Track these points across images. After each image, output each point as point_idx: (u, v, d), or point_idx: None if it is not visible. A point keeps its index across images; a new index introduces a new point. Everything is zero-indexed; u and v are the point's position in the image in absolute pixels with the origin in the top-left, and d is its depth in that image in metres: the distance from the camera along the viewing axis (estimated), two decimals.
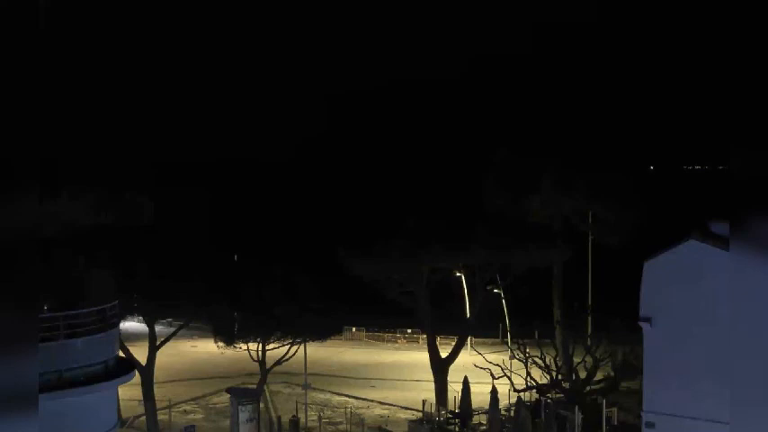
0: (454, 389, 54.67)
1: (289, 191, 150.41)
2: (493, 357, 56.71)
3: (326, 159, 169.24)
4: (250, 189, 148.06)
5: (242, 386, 55.23)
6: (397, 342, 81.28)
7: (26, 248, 17.10)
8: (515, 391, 51.85)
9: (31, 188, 17.21)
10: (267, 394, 60.39)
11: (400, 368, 71.09)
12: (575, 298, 61.61)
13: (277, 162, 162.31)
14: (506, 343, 66.06)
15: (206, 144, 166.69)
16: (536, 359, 53.08)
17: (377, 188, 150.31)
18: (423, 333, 68.37)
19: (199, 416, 57.52)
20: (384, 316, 74.64)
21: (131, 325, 61.34)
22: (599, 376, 53.38)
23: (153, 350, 52.76)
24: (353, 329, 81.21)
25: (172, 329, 58.06)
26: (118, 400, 34.30)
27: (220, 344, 52.46)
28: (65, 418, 28.41)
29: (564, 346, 56.95)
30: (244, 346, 52.24)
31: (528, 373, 53.23)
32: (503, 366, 53.03)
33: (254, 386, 53.69)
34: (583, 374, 52.75)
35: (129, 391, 49.93)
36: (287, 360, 53.14)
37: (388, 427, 54.09)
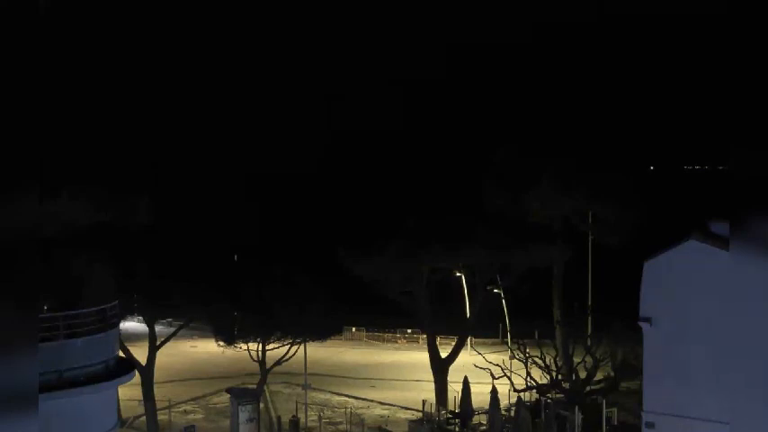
0: (454, 389, 54.68)
1: (288, 191, 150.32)
2: (493, 357, 56.72)
3: (326, 159, 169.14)
4: (249, 189, 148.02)
5: (242, 386, 55.24)
6: (397, 342, 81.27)
7: (26, 248, 17.11)
8: (515, 391, 51.84)
9: (31, 188, 17.22)
10: (267, 394, 60.39)
11: (400, 368, 71.09)
12: (575, 298, 61.57)
13: (277, 162, 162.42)
14: (506, 343, 66.08)
15: (206, 144, 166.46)
16: (536, 359, 53.08)
17: (377, 188, 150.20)
18: (423, 333, 68.37)
19: (199, 416, 57.53)
20: (384, 316, 74.62)
21: (131, 325, 61.35)
22: (599, 376, 53.37)
23: (153, 350, 52.74)
24: (353, 329, 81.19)
25: (172, 329, 58.07)
26: (118, 400, 34.29)
27: (221, 344, 52.47)
28: (65, 418, 28.40)
29: (564, 346, 56.95)
30: (244, 346, 52.25)
31: (528, 373, 53.22)
32: (503, 366, 53.03)
33: (254, 386, 53.70)
34: (583, 374, 52.74)
35: (129, 391, 49.92)
36: (287, 360, 53.14)
37: (388, 427, 54.10)
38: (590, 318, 60.59)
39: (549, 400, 51.48)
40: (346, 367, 71.62)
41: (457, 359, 58.61)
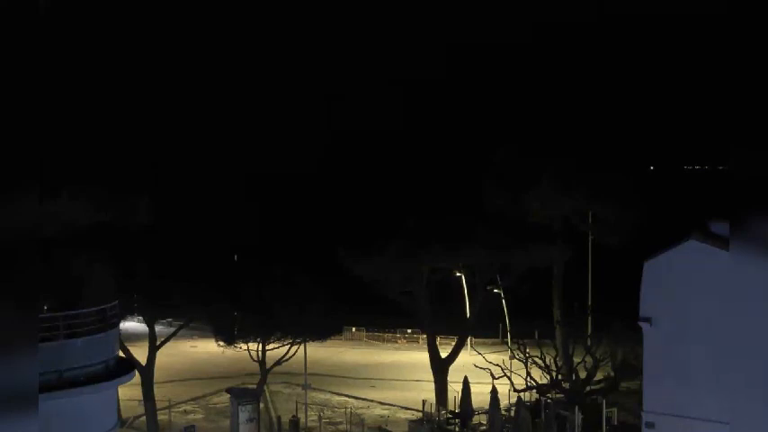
0: (454, 389, 54.67)
1: (288, 191, 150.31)
2: (493, 357, 56.71)
3: (326, 159, 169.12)
4: (249, 189, 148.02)
5: (242, 386, 55.24)
6: (397, 342, 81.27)
7: (26, 248, 17.11)
8: (515, 391, 51.84)
9: (31, 188, 17.22)
10: (267, 394, 60.39)
11: (400, 368, 71.09)
12: (575, 298, 61.56)
13: (277, 162, 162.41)
14: (506, 343, 66.08)
15: (206, 144, 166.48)
16: (536, 359, 53.07)
17: (377, 188, 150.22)
18: (423, 333, 68.37)
19: (199, 416, 57.53)
20: (384, 316, 74.61)
21: (131, 325, 61.35)
22: (599, 376, 53.37)
23: (153, 350, 52.75)
24: (353, 329, 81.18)
25: (172, 329, 58.07)
26: (118, 400, 34.29)
27: (221, 344, 52.48)
28: (65, 418, 28.40)
29: (564, 346, 56.95)
30: (244, 346, 52.25)
31: (528, 373, 53.22)
32: (503, 366, 53.02)
33: (254, 386, 53.70)
34: (583, 374, 52.74)
35: (129, 391, 49.92)
36: (287, 360, 53.14)
37: (388, 427, 54.10)
38: (590, 318, 60.59)
39: (549, 400, 51.47)
40: (346, 367, 71.62)
41: (457, 359, 58.61)
